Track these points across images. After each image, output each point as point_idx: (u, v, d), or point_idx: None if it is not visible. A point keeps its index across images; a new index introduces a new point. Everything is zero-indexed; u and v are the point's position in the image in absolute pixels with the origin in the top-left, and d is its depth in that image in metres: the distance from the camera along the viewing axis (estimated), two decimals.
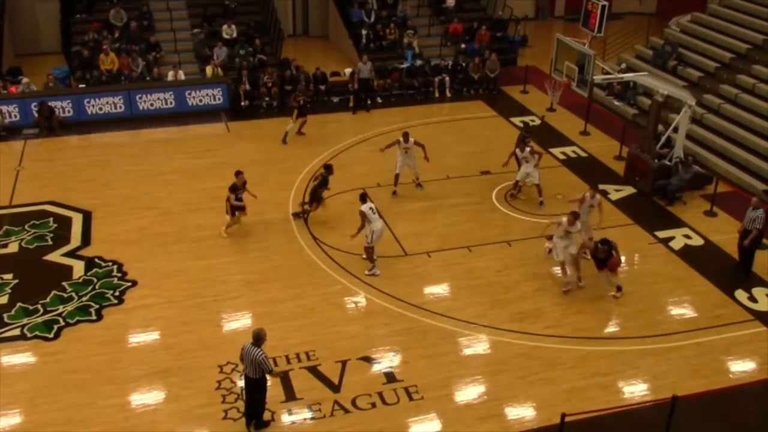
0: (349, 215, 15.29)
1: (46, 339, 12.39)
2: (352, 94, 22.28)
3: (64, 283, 13.73)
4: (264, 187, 16.80)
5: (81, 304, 13.23)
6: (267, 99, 22.02)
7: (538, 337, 12.65)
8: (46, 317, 12.87)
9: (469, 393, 11.45)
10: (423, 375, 11.71)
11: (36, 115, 20.28)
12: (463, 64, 24.20)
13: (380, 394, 11.31)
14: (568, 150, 19.70)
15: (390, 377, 11.67)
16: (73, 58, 23.00)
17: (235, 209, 15.17)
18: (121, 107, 21.22)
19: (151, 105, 21.48)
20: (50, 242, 15.11)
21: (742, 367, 12.21)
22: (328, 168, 15.84)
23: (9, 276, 13.94)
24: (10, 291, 13.54)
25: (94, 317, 12.92)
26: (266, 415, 10.72)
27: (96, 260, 14.48)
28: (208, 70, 22.51)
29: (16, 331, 12.52)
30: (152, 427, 10.69)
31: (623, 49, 26.19)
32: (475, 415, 11.00)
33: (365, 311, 13.31)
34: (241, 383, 11.07)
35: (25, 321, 12.75)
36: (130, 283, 13.82)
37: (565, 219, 13.58)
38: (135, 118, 21.19)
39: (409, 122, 20.93)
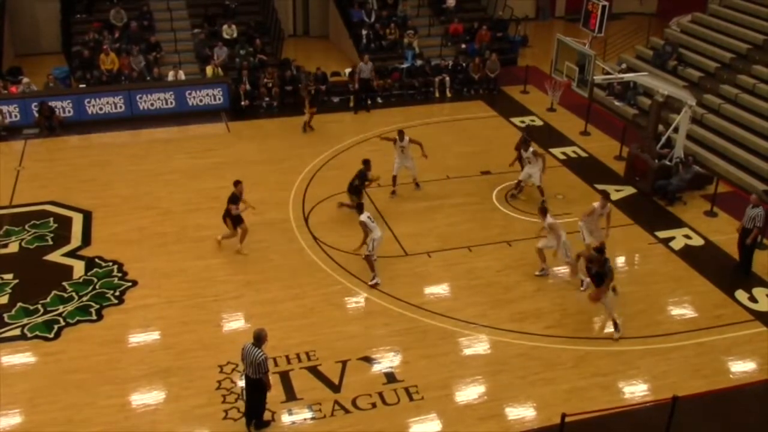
0: (349, 215, 15.31)
1: (46, 339, 12.39)
2: (353, 94, 22.29)
3: (64, 283, 13.73)
4: (264, 187, 16.81)
5: (81, 304, 13.23)
6: (267, 99, 22.02)
7: (538, 337, 12.64)
8: (46, 317, 12.86)
9: (469, 393, 11.45)
10: (423, 375, 11.71)
11: (36, 115, 20.28)
12: (464, 64, 24.19)
13: (380, 394, 11.31)
14: (568, 150, 19.70)
15: (390, 377, 11.66)
16: (73, 58, 23.00)
17: (237, 223, 14.53)
18: (121, 107, 21.23)
19: (152, 105, 21.48)
20: (50, 242, 15.10)
21: (742, 367, 12.20)
22: (366, 163, 16.12)
23: (9, 276, 13.93)
24: (10, 291, 13.54)
25: (94, 317, 12.92)
26: (266, 415, 10.71)
27: (96, 260, 14.48)
28: (209, 70, 22.52)
29: (17, 331, 12.52)
30: (152, 427, 10.69)
31: (623, 50, 26.20)
32: (475, 415, 10.99)
33: (365, 311, 13.30)
34: (241, 383, 11.07)
35: (25, 321, 12.75)
36: (130, 283, 13.82)
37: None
38: (135, 118, 21.19)
39: (409, 122, 20.94)
